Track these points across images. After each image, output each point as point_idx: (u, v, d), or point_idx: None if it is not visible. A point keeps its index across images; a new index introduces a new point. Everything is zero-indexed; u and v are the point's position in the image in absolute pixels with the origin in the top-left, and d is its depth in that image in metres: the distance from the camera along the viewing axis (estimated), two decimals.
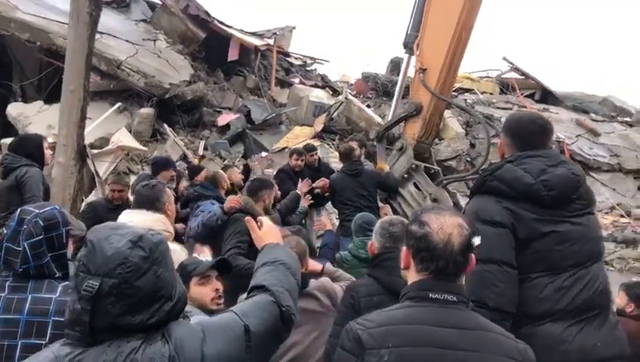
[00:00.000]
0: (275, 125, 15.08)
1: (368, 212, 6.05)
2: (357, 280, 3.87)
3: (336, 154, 9.69)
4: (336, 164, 9.47)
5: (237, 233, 5.17)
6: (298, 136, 14.33)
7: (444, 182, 8.02)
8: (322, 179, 7.70)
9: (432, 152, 8.35)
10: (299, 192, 7.30)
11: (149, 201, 3.91)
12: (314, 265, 4.34)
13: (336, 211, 8.06)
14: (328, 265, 4.53)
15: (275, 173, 8.90)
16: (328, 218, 7.50)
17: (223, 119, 14.69)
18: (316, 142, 12.73)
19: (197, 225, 5.68)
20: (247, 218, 2.62)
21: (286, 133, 14.76)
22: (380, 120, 14.23)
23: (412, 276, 2.30)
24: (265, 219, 2.64)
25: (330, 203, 8.01)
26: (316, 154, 8.49)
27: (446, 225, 2.25)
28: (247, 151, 14.16)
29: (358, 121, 14.97)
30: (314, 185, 7.58)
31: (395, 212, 7.58)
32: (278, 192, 6.63)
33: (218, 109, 15.17)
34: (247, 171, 8.73)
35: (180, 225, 6.23)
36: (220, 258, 3.48)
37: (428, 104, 7.80)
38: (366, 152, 8.65)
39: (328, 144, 14.16)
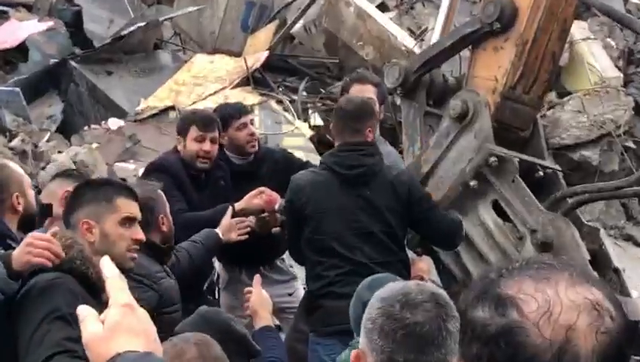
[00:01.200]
0: (144, 52, 11.23)
1: (384, 272, 4.43)
2: None
3: (304, 128, 8.74)
4: (303, 152, 7.45)
5: (55, 320, 3.79)
6: (205, 79, 10.46)
7: (571, 201, 5.49)
8: (261, 190, 5.29)
9: (541, 127, 5.85)
10: (218, 232, 4.98)
11: None
12: None
13: (299, 273, 5.84)
14: None
15: (144, 173, 6.16)
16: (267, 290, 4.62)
17: (9, 35, 11.18)
18: (251, 97, 9.73)
19: None
20: (80, 307, 1.69)
21: (173, 73, 10.72)
22: (409, 42, 10.70)
23: None
24: (113, 292, 1.58)
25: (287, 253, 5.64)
26: (253, 122, 5.94)
27: (560, 307, 1.38)
28: (70, 115, 10.60)
29: (355, 44, 10.92)
30: (238, 206, 5.16)
31: (442, 269, 5.42)
32: (170, 219, 4.71)
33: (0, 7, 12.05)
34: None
35: None
36: None
37: (531, 5, 5.36)
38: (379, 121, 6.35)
39: (281, 101, 10.36)
